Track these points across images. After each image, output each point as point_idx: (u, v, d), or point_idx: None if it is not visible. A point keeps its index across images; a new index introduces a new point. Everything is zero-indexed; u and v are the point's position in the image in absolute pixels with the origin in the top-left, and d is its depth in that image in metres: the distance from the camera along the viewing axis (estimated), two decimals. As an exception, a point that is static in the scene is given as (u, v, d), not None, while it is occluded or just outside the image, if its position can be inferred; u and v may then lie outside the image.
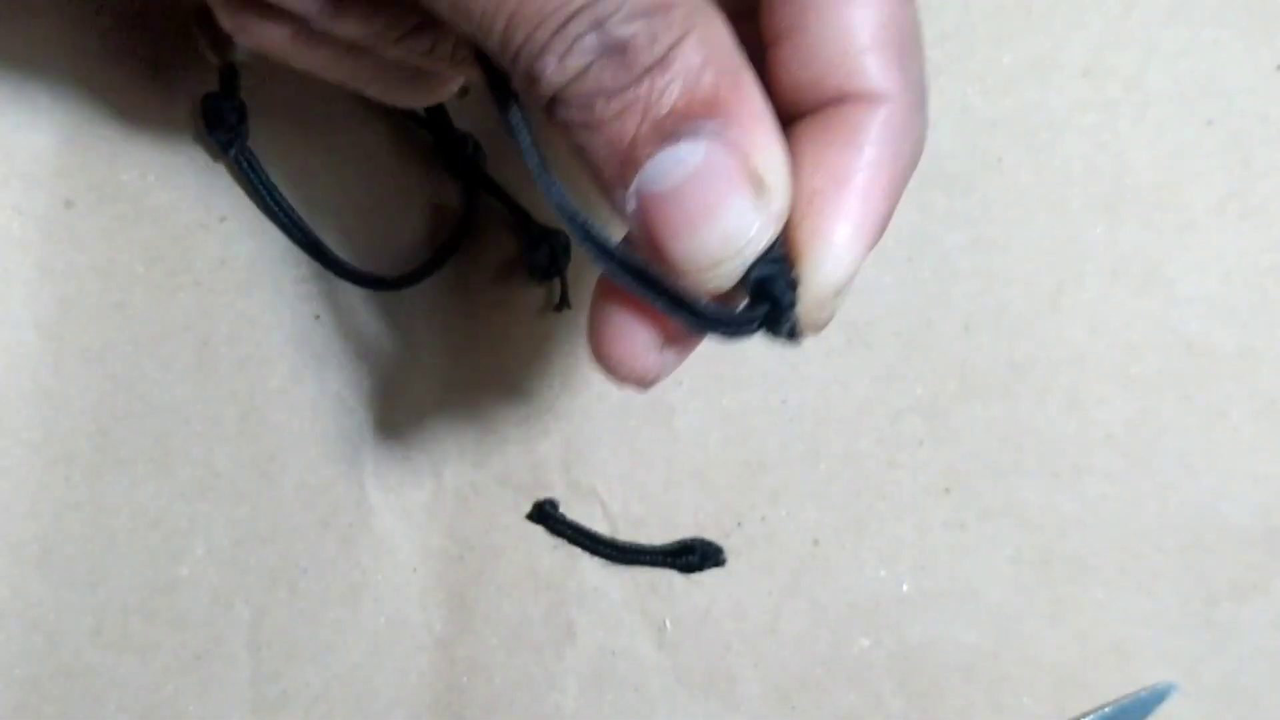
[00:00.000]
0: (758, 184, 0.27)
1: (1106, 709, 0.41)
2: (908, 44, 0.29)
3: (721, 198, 0.27)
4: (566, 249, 0.43)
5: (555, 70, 0.27)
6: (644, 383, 0.30)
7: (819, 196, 0.28)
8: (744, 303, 0.29)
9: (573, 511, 0.44)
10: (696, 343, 0.31)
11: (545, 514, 0.44)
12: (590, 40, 0.27)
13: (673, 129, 0.27)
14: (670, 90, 0.27)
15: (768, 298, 0.28)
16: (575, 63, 0.27)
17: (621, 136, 0.28)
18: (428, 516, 0.43)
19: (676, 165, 0.27)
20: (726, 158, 0.27)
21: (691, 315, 0.28)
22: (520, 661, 0.43)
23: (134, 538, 0.40)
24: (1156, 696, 0.41)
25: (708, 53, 0.27)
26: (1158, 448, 0.41)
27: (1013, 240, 0.42)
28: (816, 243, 0.28)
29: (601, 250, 0.28)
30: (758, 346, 0.42)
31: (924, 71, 0.29)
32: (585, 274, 0.44)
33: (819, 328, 0.29)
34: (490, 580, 0.43)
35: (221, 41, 0.40)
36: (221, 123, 0.41)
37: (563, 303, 0.43)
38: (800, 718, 0.42)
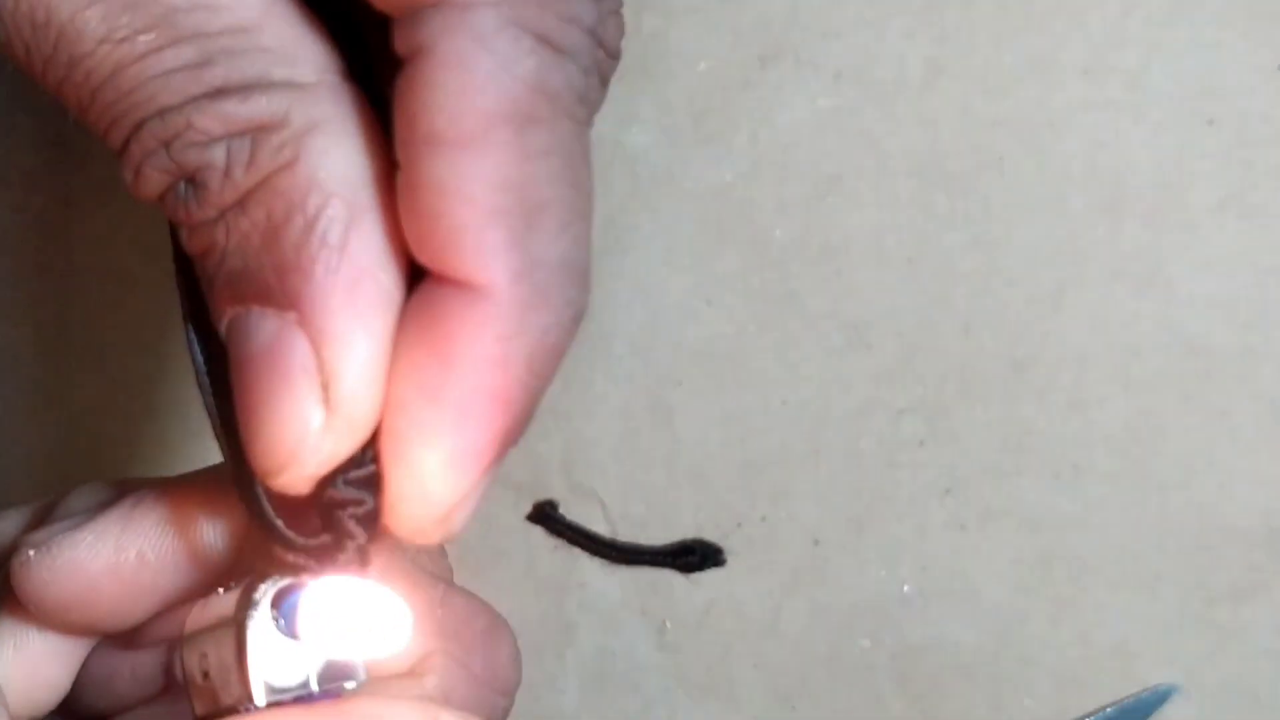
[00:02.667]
0: (325, 386, 0.21)
1: (1108, 710, 0.41)
2: (537, 214, 0.21)
3: (278, 393, 0.21)
4: None
5: (133, 186, 0.22)
6: None
7: (404, 413, 0.22)
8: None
9: (573, 512, 0.44)
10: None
11: (545, 514, 0.44)
12: (163, 159, 0.21)
13: (242, 293, 0.22)
14: (246, 243, 0.21)
15: (331, 530, 0.23)
16: (148, 185, 0.22)
17: (204, 274, 0.22)
18: (428, 517, 0.43)
19: (248, 337, 0.22)
20: (292, 345, 0.21)
21: (258, 522, 0.23)
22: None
23: (134, 538, 0.40)
24: (1158, 697, 0.41)
25: (302, 198, 0.21)
26: (1158, 448, 0.41)
27: (1013, 240, 0.42)
28: (399, 472, 0.22)
29: (199, 377, 0.23)
30: (758, 347, 0.42)
31: (574, 244, 0.22)
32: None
33: (430, 540, 0.23)
34: (490, 580, 0.43)
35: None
36: None
37: None
38: (800, 718, 0.42)
